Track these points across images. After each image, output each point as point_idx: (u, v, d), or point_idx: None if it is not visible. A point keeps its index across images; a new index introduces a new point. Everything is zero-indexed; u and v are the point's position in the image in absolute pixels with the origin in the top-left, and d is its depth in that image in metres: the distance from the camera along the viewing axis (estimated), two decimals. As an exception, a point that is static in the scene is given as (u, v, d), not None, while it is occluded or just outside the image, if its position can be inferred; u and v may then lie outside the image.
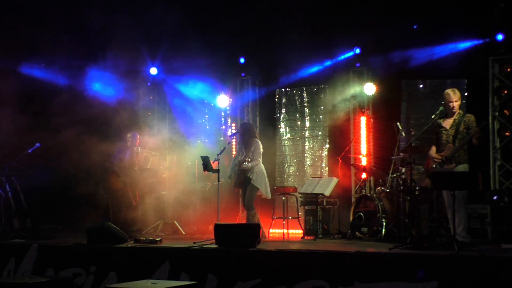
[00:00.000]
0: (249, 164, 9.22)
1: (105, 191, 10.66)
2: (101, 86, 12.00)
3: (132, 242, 8.55)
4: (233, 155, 11.18)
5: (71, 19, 11.09)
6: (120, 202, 10.55)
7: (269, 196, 9.60)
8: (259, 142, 9.49)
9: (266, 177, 9.43)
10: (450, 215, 7.87)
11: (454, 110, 8.05)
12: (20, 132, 10.92)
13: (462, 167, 7.91)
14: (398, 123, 9.89)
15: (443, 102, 8.22)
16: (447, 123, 8.11)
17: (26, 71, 11.80)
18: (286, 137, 12.32)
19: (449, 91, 8.08)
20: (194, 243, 8.22)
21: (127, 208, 10.49)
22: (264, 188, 9.37)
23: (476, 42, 10.28)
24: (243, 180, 9.36)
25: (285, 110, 12.35)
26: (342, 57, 11.46)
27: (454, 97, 8.02)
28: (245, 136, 9.56)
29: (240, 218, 10.92)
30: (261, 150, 9.43)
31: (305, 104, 12.14)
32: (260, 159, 9.39)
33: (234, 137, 11.28)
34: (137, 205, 10.68)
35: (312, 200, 10.17)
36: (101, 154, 10.71)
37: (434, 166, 8.09)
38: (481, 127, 7.82)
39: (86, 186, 10.80)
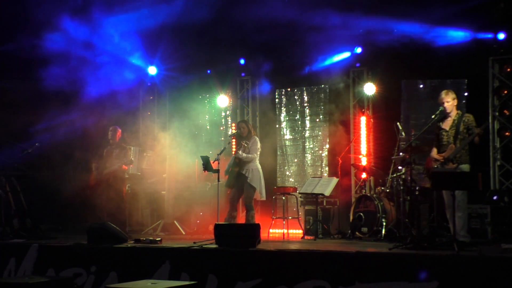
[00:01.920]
0: (244, 154, 9.18)
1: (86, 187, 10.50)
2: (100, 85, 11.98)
3: (132, 242, 8.54)
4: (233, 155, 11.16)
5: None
6: (96, 198, 10.24)
7: (263, 197, 9.52)
8: (257, 139, 9.50)
9: (262, 177, 9.39)
10: (449, 215, 7.88)
11: (448, 111, 8.10)
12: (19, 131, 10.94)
13: (464, 167, 7.93)
14: (398, 123, 9.89)
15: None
16: (446, 124, 8.14)
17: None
18: (286, 137, 12.33)
19: (442, 92, 8.17)
20: (194, 243, 8.21)
21: (100, 205, 10.10)
22: (259, 189, 9.31)
23: (476, 41, 10.28)
24: (236, 176, 9.32)
25: (285, 110, 12.35)
26: (342, 57, 11.47)
27: (446, 98, 8.08)
28: (244, 133, 9.53)
29: (240, 218, 10.91)
30: (259, 147, 9.41)
31: (305, 104, 12.14)
32: (257, 156, 9.35)
33: (234, 137, 11.27)
34: (108, 203, 10.05)
35: (312, 200, 10.17)
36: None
37: (435, 166, 8.10)
38: (484, 127, 7.84)
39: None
